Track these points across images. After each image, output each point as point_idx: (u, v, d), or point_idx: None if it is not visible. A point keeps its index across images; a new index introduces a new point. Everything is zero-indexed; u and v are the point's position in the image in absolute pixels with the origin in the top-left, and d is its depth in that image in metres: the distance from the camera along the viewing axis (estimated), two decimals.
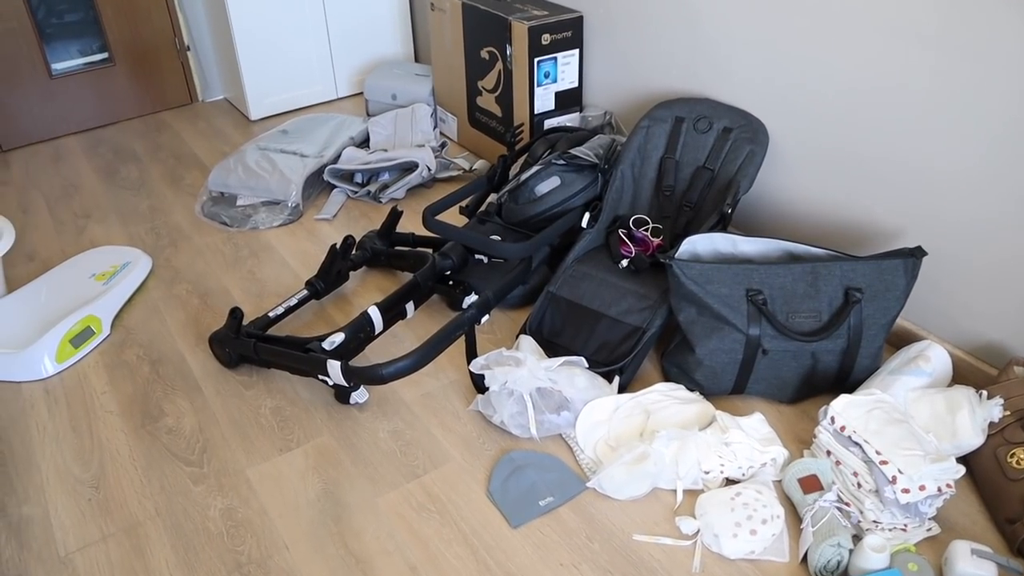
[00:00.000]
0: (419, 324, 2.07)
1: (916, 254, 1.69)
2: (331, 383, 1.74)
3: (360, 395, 1.79)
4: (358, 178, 2.65)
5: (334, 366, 1.67)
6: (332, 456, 1.70)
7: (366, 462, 1.68)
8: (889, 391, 1.65)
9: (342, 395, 1.80)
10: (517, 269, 1.90)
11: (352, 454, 1.70)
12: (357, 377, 1.66)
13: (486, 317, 1.81)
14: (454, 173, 2.67)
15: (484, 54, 2.59)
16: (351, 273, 2.22)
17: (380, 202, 2.58)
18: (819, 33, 1.85)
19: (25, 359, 1.95)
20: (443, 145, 2.73)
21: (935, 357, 1.73)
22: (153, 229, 2.51)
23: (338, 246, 2.08)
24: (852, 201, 1.94)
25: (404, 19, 3.33)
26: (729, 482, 1.61)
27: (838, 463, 1.53)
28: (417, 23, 3.35)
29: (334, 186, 2.65)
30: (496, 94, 2.61)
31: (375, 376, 1.63)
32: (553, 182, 2.11)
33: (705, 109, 2.11)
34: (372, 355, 1.96)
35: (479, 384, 1.80)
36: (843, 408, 1.55)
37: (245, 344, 1.84)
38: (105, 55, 3.12)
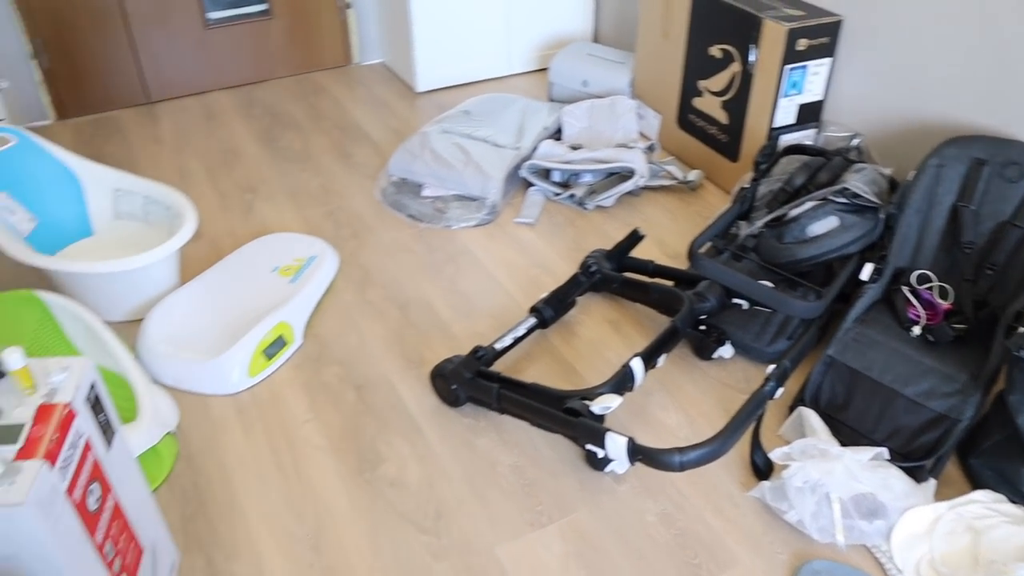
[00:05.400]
0: (664, 373, 1.79)
1: None
2: (600, 454, 1.47)
3: (620, 465, 1.52)
4: (555, 176, 2.35)
5: (617, 442, 1.39)
6: (595, 541, 1.43)
7: (639, 554, 1.42)
8: None
9: (596, 461, 1.53)
10: (811, 331, 1.61)
11: (619, 542, 1.43)
12: (647, 460, 1.38)
13: (781, 389, 1.53)
14: (665, 183, 2.37)
15: (715, 51, 2.27)
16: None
17: (586, 208, 2.28)
18: None
19: (215, 369, 1.70)
20: (651, 148, 2.43)
21: None
22: (330, 215, 2.24)
23: (580, 274, 1.80)
24: None
25: None
26: None
27: None
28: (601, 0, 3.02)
29: (530, 183, 2.36)
30: (724, 99, 2.29)
31: (669, 464, 1.35)
32: (830, 222, 1.81)
33: (1018, 154, 1.79)
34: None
35: (761, 469, 1.53)
36: None
37: (485, 388, 1.58)
38: (264, 6, 2.83)
